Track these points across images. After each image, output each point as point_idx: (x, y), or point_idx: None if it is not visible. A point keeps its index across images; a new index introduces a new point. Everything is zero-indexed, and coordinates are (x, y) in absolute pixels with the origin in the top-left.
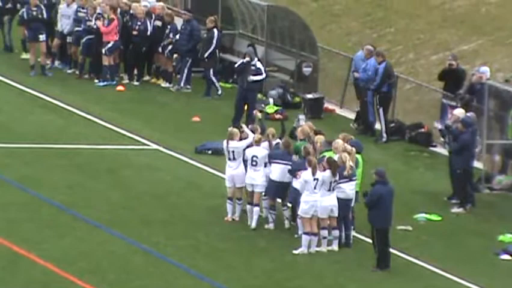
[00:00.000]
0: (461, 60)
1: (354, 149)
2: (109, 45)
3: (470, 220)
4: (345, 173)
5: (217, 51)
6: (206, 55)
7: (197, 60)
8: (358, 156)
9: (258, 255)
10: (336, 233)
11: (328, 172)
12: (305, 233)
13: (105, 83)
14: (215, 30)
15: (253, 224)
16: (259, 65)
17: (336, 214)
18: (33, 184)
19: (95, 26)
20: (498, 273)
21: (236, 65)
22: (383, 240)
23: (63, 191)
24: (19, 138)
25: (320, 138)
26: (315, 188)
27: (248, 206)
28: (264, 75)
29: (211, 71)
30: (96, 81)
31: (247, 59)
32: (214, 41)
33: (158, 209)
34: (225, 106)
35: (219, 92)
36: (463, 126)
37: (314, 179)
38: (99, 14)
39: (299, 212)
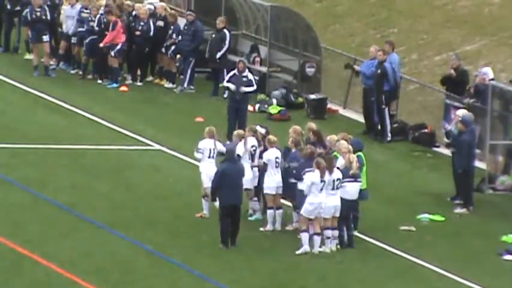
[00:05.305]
0: (464, 61)
1: (351, 147)
2: (118, 47)
3: (473, 220)
4: (351, 171)
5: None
6: (218, 56)
7: (201, 61)
8: (361, 154)
9: (262, 256)
10: (335, 233)
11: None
12: (303, 231)
13: (116, 84)
14: (226, 31)
15: (279, 226)
16: (250, 76)
17: (338, 214)
18: (36, 185)
19: (97, 28)
20: (501, 273)
21: (227, 77)
22: (228, 217)
23: (66, 192)
24: (22, 139)
25: (332, 139)
26: (321, 189)
27: (270, 211)
28: (255, 87)
29: (225, 71)
30: (100, 81)
31: (237, 70)
32: (227, 42)
33: (161, 210)
34: None
35: (226, 95)
36: (463, 126)
37: (321, 181)
38: (102, 14)
39: (302, 212)
